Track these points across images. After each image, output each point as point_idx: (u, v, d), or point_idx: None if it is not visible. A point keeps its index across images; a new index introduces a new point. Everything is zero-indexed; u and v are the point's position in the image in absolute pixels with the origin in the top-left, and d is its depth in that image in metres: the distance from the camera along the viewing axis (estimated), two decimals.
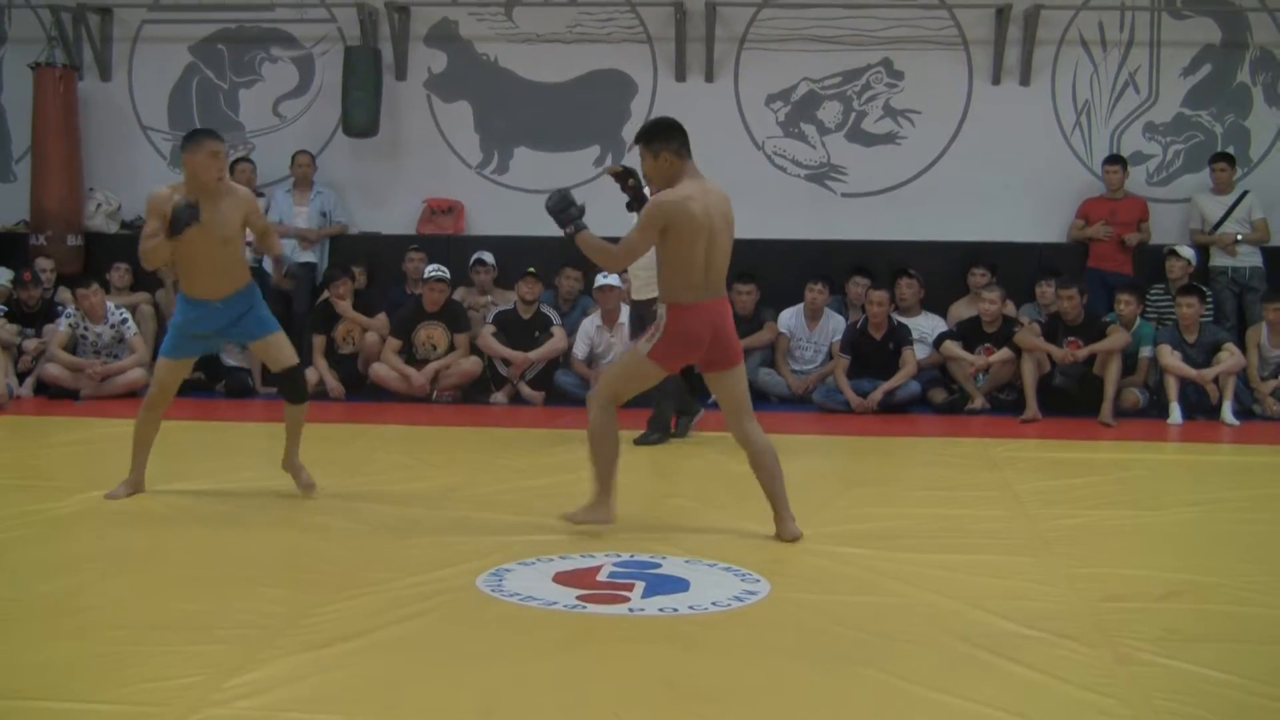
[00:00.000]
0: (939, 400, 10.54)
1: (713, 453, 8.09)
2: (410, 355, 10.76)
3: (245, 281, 6.73)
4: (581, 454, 8.54)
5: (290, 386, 6.90)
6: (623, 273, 9.58)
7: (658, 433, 8.78)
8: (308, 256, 11.80)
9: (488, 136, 12.29)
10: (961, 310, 11.28)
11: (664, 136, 5.97)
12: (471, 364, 10.74)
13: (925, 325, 11.06)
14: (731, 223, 6.06)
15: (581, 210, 6.05)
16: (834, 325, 10.93)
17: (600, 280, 10.38)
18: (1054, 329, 10.30)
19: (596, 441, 6.11)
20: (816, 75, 12.00)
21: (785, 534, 6.09)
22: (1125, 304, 10.40)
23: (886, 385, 10.29)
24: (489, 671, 4.29)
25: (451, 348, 10.75)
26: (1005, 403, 10.44)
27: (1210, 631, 4.80)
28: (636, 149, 6.07)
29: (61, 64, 12.17)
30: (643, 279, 8.32)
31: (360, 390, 10.88)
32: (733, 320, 6.13)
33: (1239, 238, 11.24)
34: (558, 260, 11.07)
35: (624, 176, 6.30)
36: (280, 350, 6.83)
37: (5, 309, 11.01)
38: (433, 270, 10.72)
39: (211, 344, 7.27)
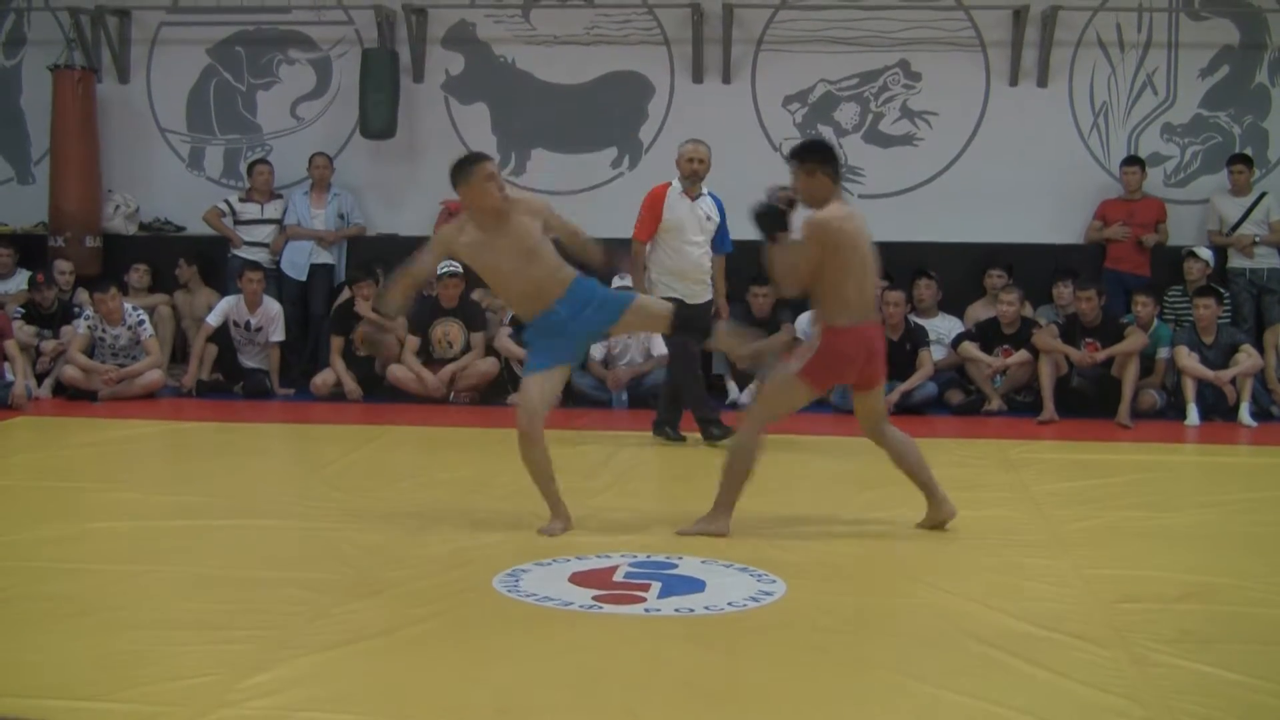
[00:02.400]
0: (956, 401, 10.52)
1: None
2: (427, 354, 10.77)
3: (572, 277, 6.29)
4: (597, 453, 8.61)
5: (687, 324, 6.79)
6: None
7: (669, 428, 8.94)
8: (326, 258, 11.84)
9: (505, 138, 12.29)
10: (978, 311, 11.25)
11: (822, 157, 6.11)
12: (489, 365, 10.75)
13: (943, 326, 11.04)
14: (873, 243, 6.21)
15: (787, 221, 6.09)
16: None
17: (616, 283, 10.35)
18: (1072, 330, 10.28)
19: (735, 457, 6.18)
20: (834, 77, 11.98)
21: (945, 514, 6.31)
22: (1142, 305, 10.37)
23: (903, 386, 10.28)
24: (505, 671, 4.30)
25: (468, 348, 10.76)
26: (1022, 404, 10.41)
27: (1226, 633, 4.80)
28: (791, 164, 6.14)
29: (80, 66, 12.19)
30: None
31: (378, 392, 10.89)
32: (885, 343, 6.31)
33: (1257, 239, 11.19)
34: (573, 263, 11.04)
35: (788, 203, 6.14)
36: (652, 308, 6.58)
37: (23, 311, 11.07)
38: (446, 265, 10.69)
39: (570, 338, 6.32)
